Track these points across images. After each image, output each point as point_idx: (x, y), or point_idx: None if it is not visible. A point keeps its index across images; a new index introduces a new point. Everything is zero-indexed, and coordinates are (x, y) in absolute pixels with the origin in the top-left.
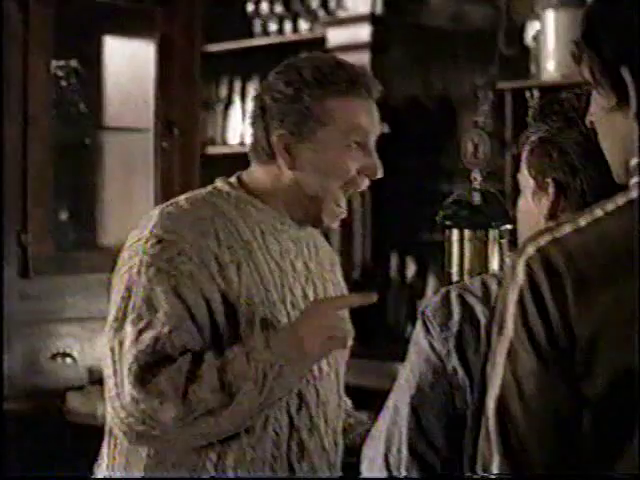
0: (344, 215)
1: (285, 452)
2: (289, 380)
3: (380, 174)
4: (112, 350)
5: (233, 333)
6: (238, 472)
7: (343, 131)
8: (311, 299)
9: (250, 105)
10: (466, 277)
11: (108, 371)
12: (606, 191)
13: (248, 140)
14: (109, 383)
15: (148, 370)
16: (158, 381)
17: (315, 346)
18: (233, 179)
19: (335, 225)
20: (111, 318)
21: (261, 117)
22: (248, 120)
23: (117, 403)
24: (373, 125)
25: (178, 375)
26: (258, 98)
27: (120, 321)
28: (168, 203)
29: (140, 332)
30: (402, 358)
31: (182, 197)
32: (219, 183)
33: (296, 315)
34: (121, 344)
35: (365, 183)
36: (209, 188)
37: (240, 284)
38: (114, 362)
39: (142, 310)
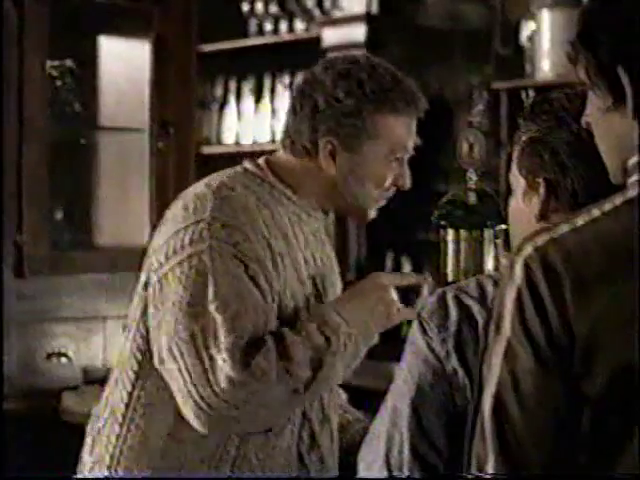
0: (383, 203)
1: (296, 442)
2: (360, 349)
3: (409, 185)
4: (193, 336)
5: (279, 321)
6: (259, 457)
7: (389, 148)
8: (329, 292)
9: (286, 98)
10: (461, 277)
11: (189, 359)
12: (598, 191)
13: (243, 140)
14: (193, 370)
15: (249, 354)
16: (258, 362)
17: (381, 318)
18: (261, 162)
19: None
20: (184, 303)
21: (310, 117)
22: (288, 110)
23: (205, 391)
24: (413, 141)
25: (271, 355)
26: (307, 95)
27: (199, 307)
28: (217, 184)
29: (233, 319)
30: (398, 358)
31: (224, 177)
32: (248, 165)
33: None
34: (204, 330)
35: (393, 190)
36: (239, 169)
37: (285, 274)
38: (197, 349)
39: (227, 297)
